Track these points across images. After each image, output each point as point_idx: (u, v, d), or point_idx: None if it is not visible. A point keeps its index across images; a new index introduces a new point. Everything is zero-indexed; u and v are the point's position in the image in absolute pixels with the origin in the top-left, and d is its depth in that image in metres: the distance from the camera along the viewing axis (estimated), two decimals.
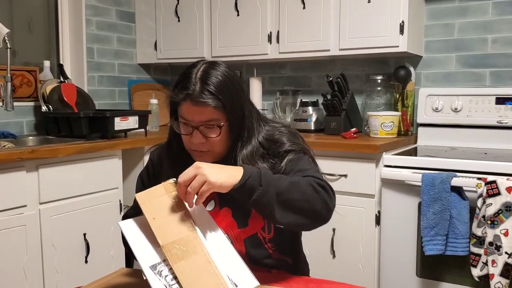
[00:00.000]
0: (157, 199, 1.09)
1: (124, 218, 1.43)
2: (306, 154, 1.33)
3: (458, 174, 2.04)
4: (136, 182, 1.48)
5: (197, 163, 1.08)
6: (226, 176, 1.07)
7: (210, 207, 1.32)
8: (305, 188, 1.13)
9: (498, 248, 1.88)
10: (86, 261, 2.39)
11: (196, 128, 1.23)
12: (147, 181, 1.43)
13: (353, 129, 2.63)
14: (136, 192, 1.43)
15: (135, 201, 1.43)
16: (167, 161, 1.37)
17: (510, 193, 1.87)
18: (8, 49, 2.33)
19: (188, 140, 1.26)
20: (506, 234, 1.87)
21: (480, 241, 1.94)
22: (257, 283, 1.05)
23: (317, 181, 1.17)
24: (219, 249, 1.07)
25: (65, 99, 2.81)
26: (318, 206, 1.14)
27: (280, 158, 1.30)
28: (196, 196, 1.06)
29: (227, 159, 1.29)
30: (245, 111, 1.29)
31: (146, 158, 1.62)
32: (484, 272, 1.92)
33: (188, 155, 1.31)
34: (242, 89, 1.31)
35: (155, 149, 1.48)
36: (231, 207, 1.32)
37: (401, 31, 2.52)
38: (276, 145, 1.31)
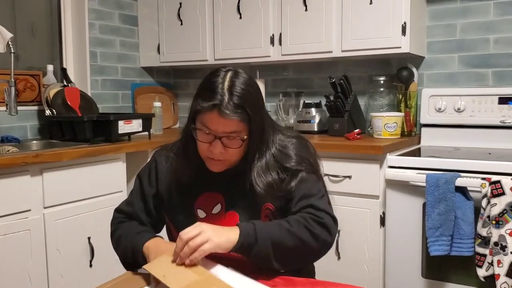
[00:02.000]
0: (164, 262, 1.17)
1: (117, 212, 1.45)
2: (314, 173, 1.34)
3: (462, 174, 2.04)
4: (134, 182, 1.46)
5: (198, 224, 1.15)
6: (226, 238, 1.14)
7: (216, 210, 1.33)
8: (300, 233, 1.20)
9: (503, 248, 1.87)
10: (90, 265, 2.39)
11: (218, 138, 1.22)
12: (147, 184, 1.41)
13: (357, 130, 2.63)
14: (134, 191, 1.43)
15: (132, 195, 1.44)
16: (182, 165, 1.34)
17: None
18: (12, 54, 2.34)
19: (206, 148, 1.25)
20: (511, 234, 1.86)
21: (485, 241, 1.93)
22: None
23: (315, 218, 1.23)
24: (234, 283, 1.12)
25: (69, 103, 2.82)
26: (316, 246, 1.22)
27: (289, 174, 1.30)
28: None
29: (243, 170, 1.29)
30: (265, 123, 1.30)
31: None
32: (490, 272, 1.92)
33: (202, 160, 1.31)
34: (262, 99, 1.32)
35: (161, 149, 1.45)
36: (238, 212, 1.32)
37: (403, 32, 2.52)
38: (286, 158, 1.32)
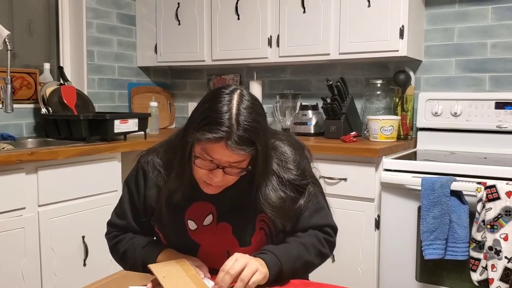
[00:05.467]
0: (170, 266, 1.19)
1: (110, 225, 1.41)
2: (316, 184, 1.35)
3: (457, 178, 2.04)
4: (123, 190, 1.39)
5: (239, 255, 1.14)
6: (266, 269, 1.16)
7: (207, 221, 1.29)
8: (314, 259, 1.29)
9: (497, 252, 1.88)
10: (84, 264, 2.38)
11: (221, 168, 1.15)
12: (136, 195, 1.35)
13: (353, 133, 2.64)
14: (124, 201, 1.38)
15: (122, 205, 1.38)
16: (175, 186, 1.25)
17: (509, 198, 1.87)
18: (8, 51, 2.33)
19: (205, 174, 1.17)
20: (505, 239, 1.87)
21: (479, 245, 1.94)
22: None
23: (328, 238, 1.33)
24: None
25: (65, 101, 2.81)
26: (321, 263, 1.33)
27: (295, 190, 1.28)
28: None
29: (248, 194, 1.24)
30: (269, 147, 1.23)
31: None
32: (484, 276, 1.92)
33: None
34: (266, 120, 1.23)
35: (146, 154, 1.36)
36: (231, 223, 1.28)
37: (401, 35, 2.53)
38: (288, 172, 1.27)
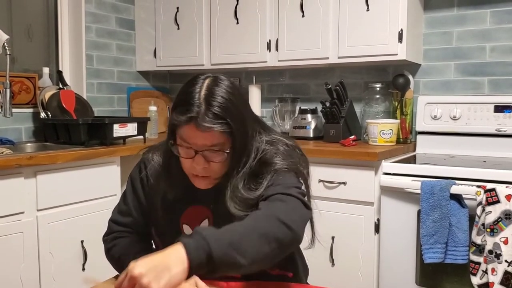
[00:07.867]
0: None
1: (114, 223, 1.37)
2: (293, 171, 1.22)
3: (457, 182, 2.04)
4: (127, 184, 1.38)
5: (131, 267, 0.89)
6: (169, 276, 0.88)
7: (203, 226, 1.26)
8: (263, 225, 1.01)
9: (497, 256, 1.87)
10: (83, 269, 2.38)
11: (200, 152, 1.13)
12: (140, 190, 1.33)
13: (352, 137, 2.63)
14: (128, 198, 1.34)
15: (125, 202, 1.35)
16: (167, 184, 1.25)
17: (509, 201, 1.87)
18: (8, 56, 2.34)
19: (189, 164, 1.16)
20: (505, 242, 1.86)
21: (479, 249, 1.93)
22: None
23: (281, 198, 1.10)
24: None
25: (64, 105, 2.81)
26: (287, 240, 1.02)
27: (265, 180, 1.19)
28: None
29: (225, 187, 1.19)
30: (249, 132, 1.19)
31: None
32: (484, 280, 1.92)
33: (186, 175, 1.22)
34: (247, 107, 1.21)
35: (148, 151, 1.37)
36: None
37: (400, 39, 2.53)
38: (268, 167, 1.21)
